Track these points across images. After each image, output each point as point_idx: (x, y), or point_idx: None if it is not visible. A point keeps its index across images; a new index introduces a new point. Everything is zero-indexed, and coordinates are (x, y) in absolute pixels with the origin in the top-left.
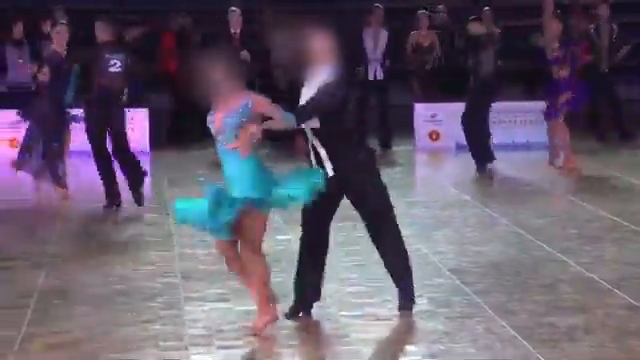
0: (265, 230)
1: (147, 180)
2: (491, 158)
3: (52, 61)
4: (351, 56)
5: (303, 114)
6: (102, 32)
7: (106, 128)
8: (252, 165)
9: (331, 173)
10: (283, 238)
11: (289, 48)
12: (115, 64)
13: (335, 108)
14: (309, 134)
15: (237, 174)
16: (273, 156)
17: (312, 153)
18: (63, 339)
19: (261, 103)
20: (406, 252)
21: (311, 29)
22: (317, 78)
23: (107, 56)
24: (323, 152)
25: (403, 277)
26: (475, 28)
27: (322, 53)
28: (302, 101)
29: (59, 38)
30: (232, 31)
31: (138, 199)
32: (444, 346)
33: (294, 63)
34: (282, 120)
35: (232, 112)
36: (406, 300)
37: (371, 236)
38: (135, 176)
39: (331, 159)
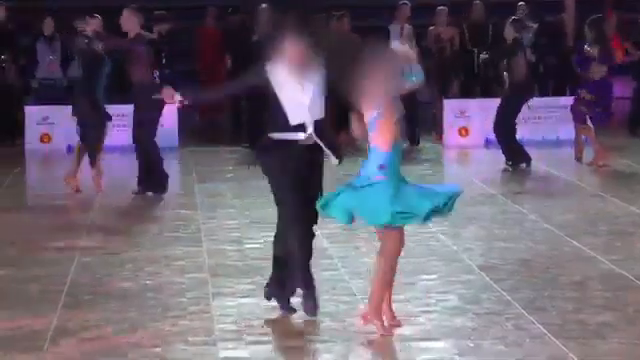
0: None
1: (176, 177)
2: (528, 160)
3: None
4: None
5: None
6: (128, 22)
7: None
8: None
9: (336, 163)
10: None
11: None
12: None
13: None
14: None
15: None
16: None
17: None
18: (93, 333)
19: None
20: None
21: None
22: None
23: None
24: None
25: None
26: (509, 33)
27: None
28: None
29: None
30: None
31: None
32: (473, 343)
33: None
34: None
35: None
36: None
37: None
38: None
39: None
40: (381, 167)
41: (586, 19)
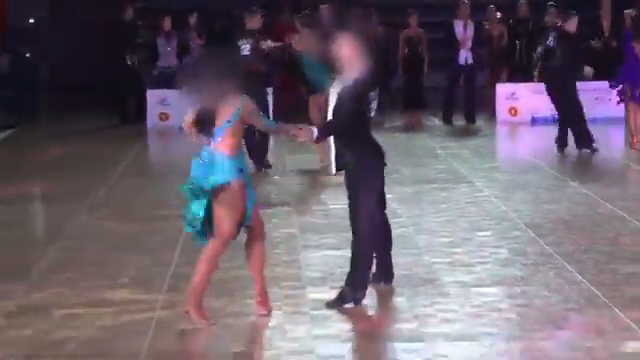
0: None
1: (270, 148)
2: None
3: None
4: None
5: (322, 133)
6: (251, 20)
7: None
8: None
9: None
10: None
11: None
12: (245, 48)
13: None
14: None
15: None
16: None
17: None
18: None
19: (248, 109)
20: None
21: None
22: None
23: (239, 42)
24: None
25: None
26: (570, 26)
27: (347, 59)
28: (330, 106)
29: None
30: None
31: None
32: (520, 289)
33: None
34: (264, 127)
35: (227, 117)
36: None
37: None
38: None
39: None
40: (241, 170)
41: (621, 17)
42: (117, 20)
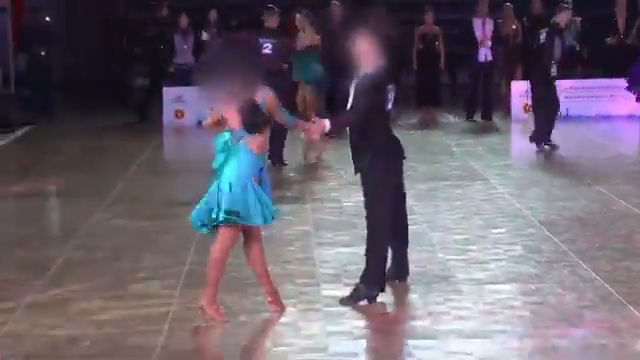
0: None
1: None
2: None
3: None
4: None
5: (335, 126)
6: (268, 19)
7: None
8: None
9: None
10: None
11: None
12: (267, 47)
13: (363, 116)
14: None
15: (235, 167)
16: None
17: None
18: None
19: (271, 101)
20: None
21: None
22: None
23: (260, 40)
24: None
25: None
26: (560, 19)
27: (363, 55)
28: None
29: None
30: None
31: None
32: (534, 286)
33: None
34: (283, 121)
35: None
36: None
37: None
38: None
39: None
40: (262, 170)
41: (635, 14)
42: (153, 18)
